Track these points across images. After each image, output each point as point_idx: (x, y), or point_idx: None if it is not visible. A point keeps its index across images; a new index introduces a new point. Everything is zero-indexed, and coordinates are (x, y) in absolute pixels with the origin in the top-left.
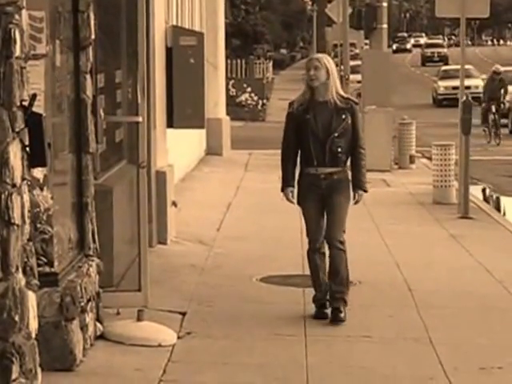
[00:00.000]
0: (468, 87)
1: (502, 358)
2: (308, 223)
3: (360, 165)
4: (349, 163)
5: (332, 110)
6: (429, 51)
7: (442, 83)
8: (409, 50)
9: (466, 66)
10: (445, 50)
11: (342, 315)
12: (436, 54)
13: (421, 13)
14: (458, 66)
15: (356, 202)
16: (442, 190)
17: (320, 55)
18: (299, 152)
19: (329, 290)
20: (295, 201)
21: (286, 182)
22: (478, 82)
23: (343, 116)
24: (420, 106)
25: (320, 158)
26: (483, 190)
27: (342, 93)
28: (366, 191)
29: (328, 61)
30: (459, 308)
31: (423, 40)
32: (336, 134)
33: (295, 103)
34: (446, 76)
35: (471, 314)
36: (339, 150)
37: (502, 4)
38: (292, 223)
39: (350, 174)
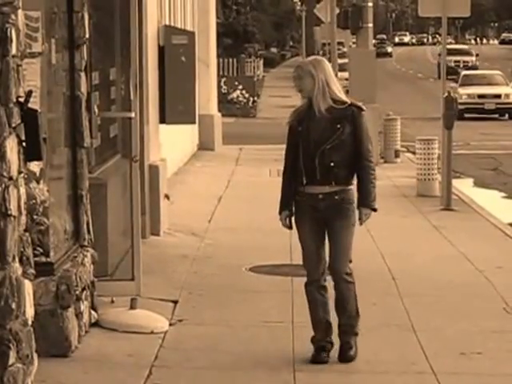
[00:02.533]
0: (498, 96)
1: (482, 343)
2: (304, 251)
3: (366, 180)
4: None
5: (327, 119)
6: (452, 59)
7: (464, 90)
8: (389, 54)
9: (493, 72)
10: (473, 58)
11: (352, 353)
12: (462, 65)
13: (406, 12)
14: (483, 71)
15: (361, 223)
16: (425, 182)
17: (306, 61)
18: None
19: (337, 324)
20: (293, 225)
21: (282, 206)
22: (509, 90)
23: (338, 126)
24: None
25: (311, 175)
26: None
27: (342, 98)
28: (374, 210)
29: (315, 66)
30: (441, 296)
31: (407, 38)
32: (328, 146)
33: (292, 115)
34: (468, 82)
35: (452, 301)
36: (332, 164)
37: (484, 4)
38: None
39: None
